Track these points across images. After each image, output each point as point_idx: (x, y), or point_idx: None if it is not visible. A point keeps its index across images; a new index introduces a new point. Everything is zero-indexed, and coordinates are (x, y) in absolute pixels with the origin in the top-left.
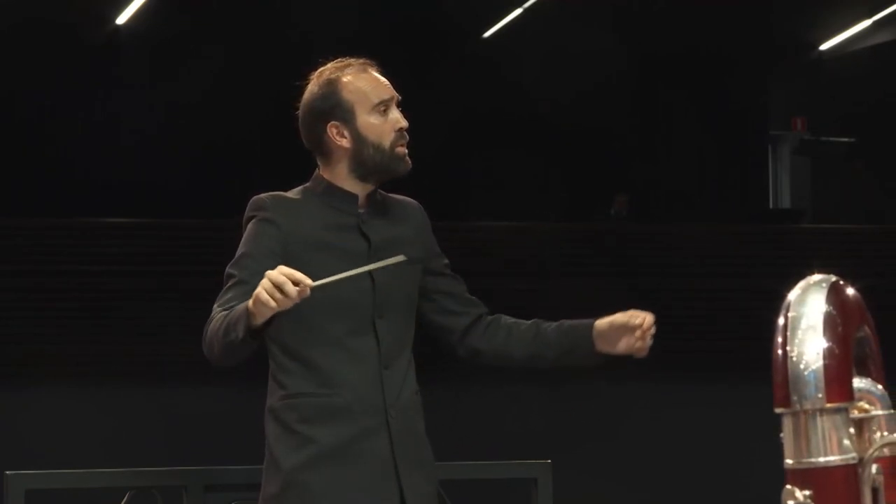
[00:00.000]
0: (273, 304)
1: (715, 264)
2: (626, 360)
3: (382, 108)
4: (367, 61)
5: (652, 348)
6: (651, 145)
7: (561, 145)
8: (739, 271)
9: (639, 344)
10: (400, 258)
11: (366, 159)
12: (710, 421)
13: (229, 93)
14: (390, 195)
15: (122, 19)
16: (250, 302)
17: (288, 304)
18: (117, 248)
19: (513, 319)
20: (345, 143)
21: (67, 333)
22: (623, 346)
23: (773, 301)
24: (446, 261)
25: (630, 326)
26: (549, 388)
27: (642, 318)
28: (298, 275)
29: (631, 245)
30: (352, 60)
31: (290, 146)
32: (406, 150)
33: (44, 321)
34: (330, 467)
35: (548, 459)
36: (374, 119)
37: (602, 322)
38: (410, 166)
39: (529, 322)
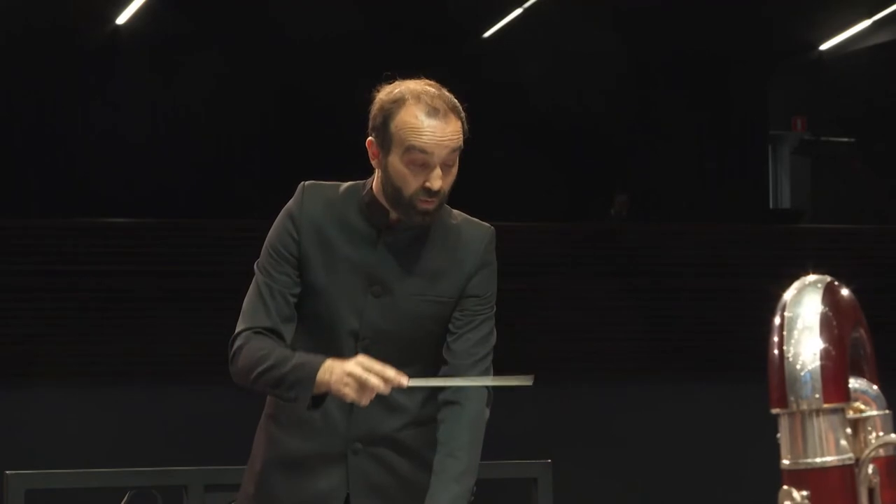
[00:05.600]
0: (362, 400)
1: (715, 264)
2: (625, 361)
3: (419, 160)
4: (444, 103)
5: (652, 348)
6: (651, 145)
7: (561, 145)
8: (739, 271)
9: None
10: (527, 381)
11: (385, 192)
12: (709, 421)
13: (229, 93)
14: (457, 217)
15: (122, 19)
16: (326, 376)
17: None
18: (117, 247)
19: (450, 445)
20: (375, 163)
21: (67, 333)
22: None
23: (773, 301)
24: (483, 311)
25: None
26: (549, 388)
27: None
28: (390, 373)
29: (631, 245)
30: (431, 92)
31: (290, 146)
32: (430, 207)
33: (44, 321)
34: (290, 475)
35: (548, 459)
36: (403, 167)
37: None
38: (430, 222)
39: (443, 462)
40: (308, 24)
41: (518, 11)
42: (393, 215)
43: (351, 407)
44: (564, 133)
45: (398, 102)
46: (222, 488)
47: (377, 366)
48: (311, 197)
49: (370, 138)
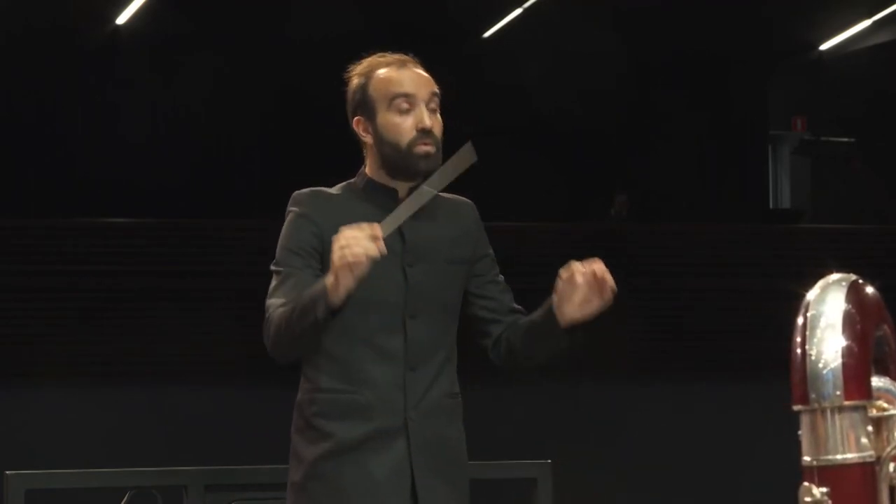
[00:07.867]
0: (363, 258)
1: (715, 264)
2: (625, 360)
3: (404, 105)
4: (408, 57)
5: (652, 348)
6: (651, 145)
7: (561, 145)
8: (739, 271)
9: (595, 295)
10: (470, 156)
11: (386, 157)
12: (710, 420)
13: (229, 93)
14: (441, 194)
15: (122, 19)
16: (329, 279)
17: (375, 254)
18: (117, 247)
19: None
20: (368, 139)
21: (67, 333)
22: (580, 299)
23: (774, 300)
24: (496, 267)
25: (577, 282)
26: (549, 388)
27: (589, 268)
28: (364, 226)
29: (631, 245)
30: (392, 56)
31: (290, 146)
32: (430, 149)
33: (43, 321)
34: (349, 460)
35: (548, 459)
36: (392, 117)
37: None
38: (433, 167)
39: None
40: (308, 24)
41: (518, 11)
42: (401, 192)
43: (403, 381)
44: (564, 133)
45: (369, 70)
46: (222, 488)
47: (356, 228)
48: (311, 198)
49: (356, 118)
